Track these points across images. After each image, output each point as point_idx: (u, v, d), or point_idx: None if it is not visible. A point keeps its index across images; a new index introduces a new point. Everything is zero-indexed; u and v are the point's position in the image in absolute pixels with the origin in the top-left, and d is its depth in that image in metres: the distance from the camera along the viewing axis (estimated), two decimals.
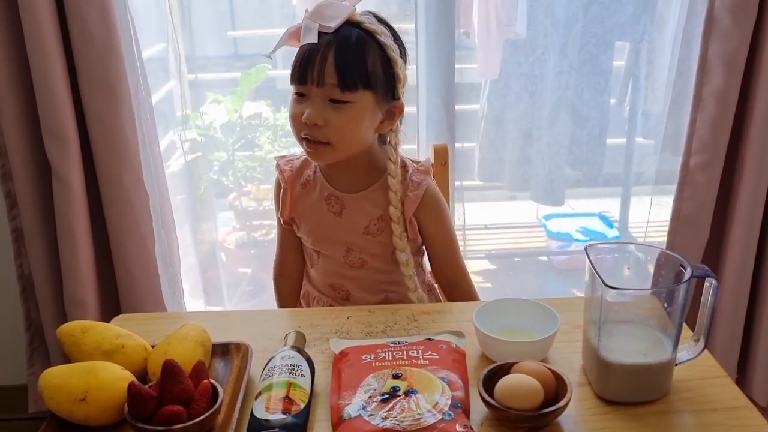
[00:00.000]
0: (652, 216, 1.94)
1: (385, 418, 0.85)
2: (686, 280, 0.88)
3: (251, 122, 2.06)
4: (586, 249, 0.96)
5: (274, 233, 2.19)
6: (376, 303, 1.28)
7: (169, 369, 0.86)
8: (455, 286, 1.35)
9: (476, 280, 2.65)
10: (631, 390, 0.93)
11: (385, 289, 1.30)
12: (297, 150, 1.32)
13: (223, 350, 1.04)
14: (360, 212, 1.24)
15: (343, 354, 1.02)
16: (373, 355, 0.99)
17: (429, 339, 1.03)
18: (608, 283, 0.88)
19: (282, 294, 1.43)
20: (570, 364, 1.02)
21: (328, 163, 1.23)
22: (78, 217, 1.54)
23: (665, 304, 0.91)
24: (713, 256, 1.73)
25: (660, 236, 1.99)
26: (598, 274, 0.89)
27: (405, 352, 0.99)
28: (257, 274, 2.18)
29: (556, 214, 2.56)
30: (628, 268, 1.01)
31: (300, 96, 1.16)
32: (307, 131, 1.16)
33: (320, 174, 1.28)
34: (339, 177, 1.26)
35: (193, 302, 1.96)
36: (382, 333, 1.12)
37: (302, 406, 0.89)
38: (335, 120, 1.14)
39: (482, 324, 1.03)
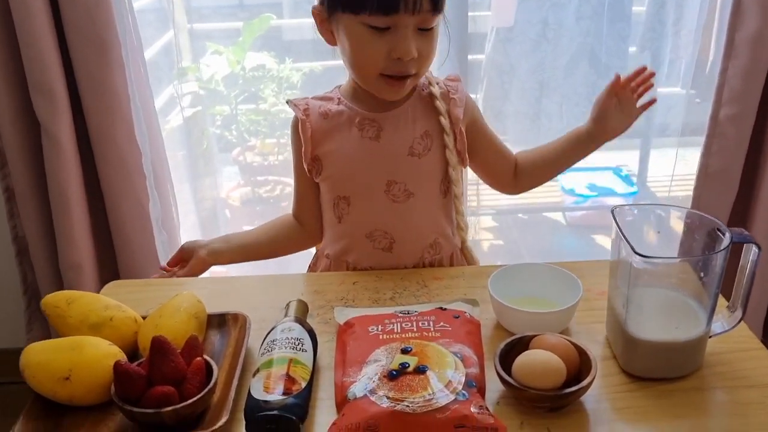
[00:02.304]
0: (675, 170, 1.85)
1: (393, 399, 0.78)
2: (725, 248, 0.80)
3: (254, 74, 1.96)
4: (613, 212, 0.88)
5: (279, 190, 2.13)
6: (424, 248, 1.16)
7: (159, 346, 0.79)
8: (526, 164, 1.23)
9: (488, 238, 2.59)
10: (661, 366, 0.86)
11: (435, 229, 1.17)
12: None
13: (219, 322, 0.97)
14: (401, 131, 1.12)
15: (348, 325, 0.95)
16: (380, 326, 0.92)
17: (441, 308, 0.96)
18: (637, 250, 0.79)
19: (275, 228, 1.26)
20: (593, 335, 0.94)
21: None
22: (70, 176, 1.47)
23: (701, 274, 0.82)
24: (741, 214, 1.64)
25: (683, 192, 1.90)
26: (627, 241, 0.81)
27: (415, 324, 0.92)
28: None
29: (570, 168, 2.47)
30: (658, 232, 0.93)
31: (376, 30, 1.02)
32: (394, 67, 1.05)
33: (345, 100, 1.15)
34: (370, 97, 1.11)
35: None
36: (391, 300, 1.04)
37: (303, 385, 0.82)
38: (425, 48, 1.05)
39: (498, 292, 0.96)
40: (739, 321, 0.88)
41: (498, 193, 1.30)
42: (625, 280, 0.84)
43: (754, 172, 1.60)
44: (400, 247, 1.16)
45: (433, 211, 1.17)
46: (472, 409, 0.77)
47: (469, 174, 1.73)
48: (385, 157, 1.12)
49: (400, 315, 0.94)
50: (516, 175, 1.23)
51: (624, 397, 0.84)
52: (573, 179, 2.54)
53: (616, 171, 2.48)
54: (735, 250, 0.84)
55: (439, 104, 1.13)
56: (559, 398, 0.79)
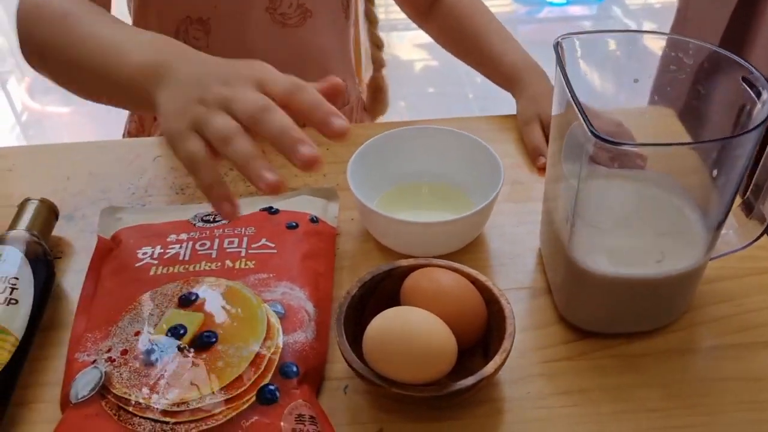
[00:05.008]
0: None
1: (138, 407, 0.43)
2: (761, 123, 0.41)
3: None
4: (556, 46, 0.48)
5: None
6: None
7: None
8: (447, 20, 0.80)
9: (425, 57, 2.17)
10: (623, 315, 0.50)
11: (340, 66, 0.81)
12: None
13: None
14: None
15: (115, 240, 0.57)
16: (159, 248, 0.54)
17: (269, 210, 0.58)
18: (597, 131, 0.41)
19: None
20: (519, 243, 0.58)
21: None
22: None
23: (713, 169, 0.45)
24: (739, 31, 1.23)
25: None
26: (584, 115, 0.42)
27: (217, 243, 0.54)
28: None
29: None
30: (636, 81, 0.54)
31: None
32: None
33: None
34: None
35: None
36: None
37: None
38: None
39: (373, 177, 0.58)
40: (762, 233, 0.52)
41: None
42: (575, 163, 0.46)
43: None
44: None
45: (336, 40, 0.80)
46: (283, 425, 0.42)
47: None
48: None
49: (198, 226, 0.56)
50: (431, 12, 0.81)
51: (559, 372, 0.49)
52: None
53: None
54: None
55: None
56: (441, 399, 0.44)
